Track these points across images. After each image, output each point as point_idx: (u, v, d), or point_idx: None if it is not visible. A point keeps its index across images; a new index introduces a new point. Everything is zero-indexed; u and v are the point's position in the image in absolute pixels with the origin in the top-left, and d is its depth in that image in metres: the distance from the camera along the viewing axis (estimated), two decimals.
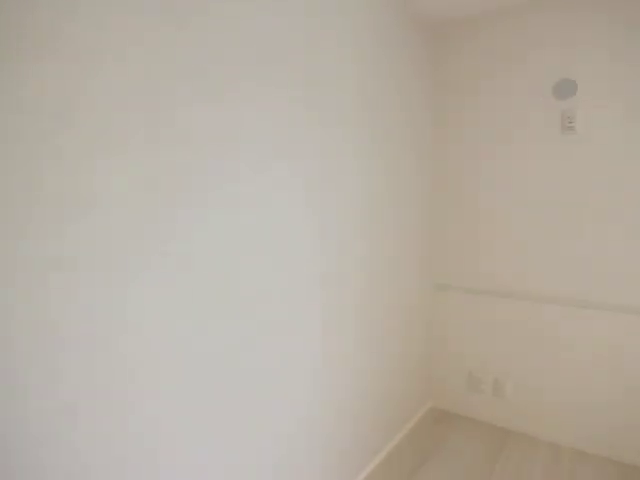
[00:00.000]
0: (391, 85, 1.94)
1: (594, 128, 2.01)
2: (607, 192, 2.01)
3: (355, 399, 1.79)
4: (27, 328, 0.75)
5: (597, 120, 2.00)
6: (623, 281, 2.00)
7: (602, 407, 2.07)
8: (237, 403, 1.19)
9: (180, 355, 1.03)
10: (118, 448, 0.91)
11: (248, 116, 1.18)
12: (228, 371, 1.16)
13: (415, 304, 2.33)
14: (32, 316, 0.76)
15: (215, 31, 1.07)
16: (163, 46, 0.95)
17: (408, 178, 2.17)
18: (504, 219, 2.29)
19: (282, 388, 1.36)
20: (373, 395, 1.93)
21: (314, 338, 1.49)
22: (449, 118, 2.42)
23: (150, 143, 0.94)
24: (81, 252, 0.82)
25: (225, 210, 1.12)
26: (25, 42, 0.73)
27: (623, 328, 2.01)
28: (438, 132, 2.46)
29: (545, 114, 2.12)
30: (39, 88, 0.75)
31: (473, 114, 2.34)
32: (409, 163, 2.18)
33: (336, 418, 1.66)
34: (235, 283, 1.16)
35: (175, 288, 1.01)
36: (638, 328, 1.97)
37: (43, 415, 0.78)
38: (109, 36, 0.85)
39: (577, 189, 2.07)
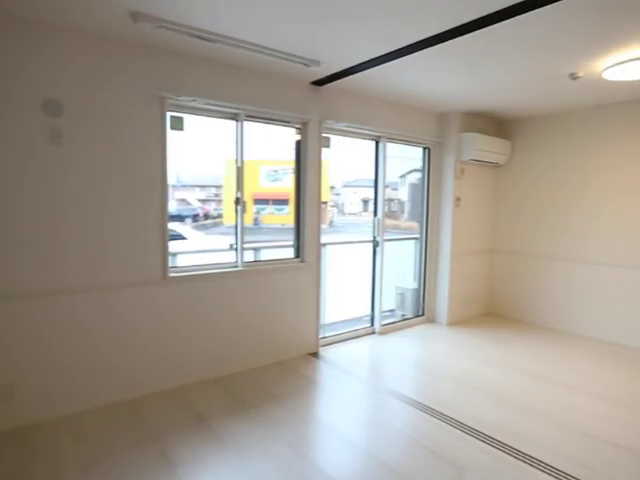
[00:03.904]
0: None
1: (78, 142, 2.35)
2: (90, 193, 2.41)
3: None
4: None
5: (80, 136, 2.35)
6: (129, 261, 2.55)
7: (117, 374, 2.57)
8: None
9: None
10: None
11: None
12: None
13: None
14: None
15: None
16: None
17: None
18: None
19: None
20: None
21: None
22: None
23: None
24: None
25: None
26: None
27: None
28: None
29: (37, 129, 2.22)
30: None
31: None
32: None
33: None
34: None
35: None
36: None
37: None
38: None
39: (66, 192, 2.33)
